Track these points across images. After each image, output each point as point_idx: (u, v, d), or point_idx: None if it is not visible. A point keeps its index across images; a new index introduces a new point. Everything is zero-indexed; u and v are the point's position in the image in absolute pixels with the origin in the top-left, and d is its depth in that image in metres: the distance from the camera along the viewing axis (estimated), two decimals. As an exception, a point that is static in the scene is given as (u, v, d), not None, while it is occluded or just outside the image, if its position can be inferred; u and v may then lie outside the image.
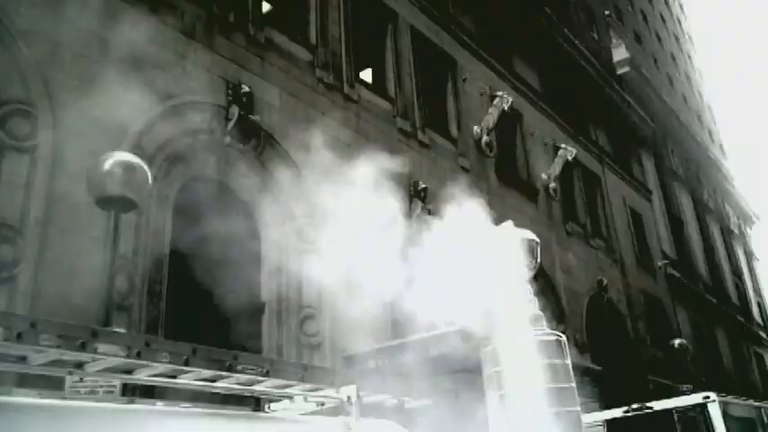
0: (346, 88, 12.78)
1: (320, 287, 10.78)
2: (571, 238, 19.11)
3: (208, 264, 9.49)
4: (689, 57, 44.01)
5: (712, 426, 9.26)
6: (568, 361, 5.22)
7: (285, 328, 10.15)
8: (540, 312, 5.59)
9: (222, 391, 4.01)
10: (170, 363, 3.45)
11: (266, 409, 4.65)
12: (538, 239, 6.17)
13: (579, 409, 5.15)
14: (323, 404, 4.39)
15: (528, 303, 5.56)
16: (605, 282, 19.48)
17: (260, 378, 3.97)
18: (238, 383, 4.03)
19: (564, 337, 5.36)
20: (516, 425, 4.91)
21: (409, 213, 13.23)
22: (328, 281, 10.98)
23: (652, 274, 24.08)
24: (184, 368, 3.68)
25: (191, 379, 3.82)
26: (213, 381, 3.98)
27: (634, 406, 9.87)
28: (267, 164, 10.80)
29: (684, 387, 16.51)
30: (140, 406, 4.21)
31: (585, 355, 16.99)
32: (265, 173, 10.74)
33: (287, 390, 4.40)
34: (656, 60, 35.16)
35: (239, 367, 3.74)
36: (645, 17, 36.40)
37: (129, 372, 3.66)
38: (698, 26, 51.38)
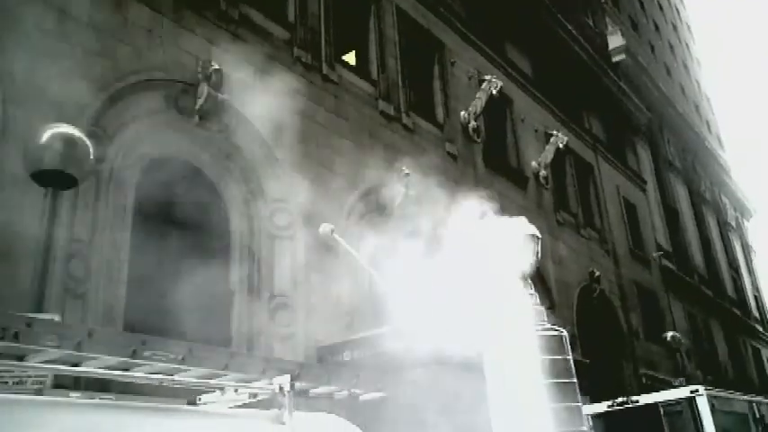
0: (325, 68, 12.28)
1: (294, 275, 10.35)
2: (562, 228, 18.65)
3: (173, 249, 9.03)
4: (687, 46, 43.42)
5: (700, 420, 8.83)
6: (570, 356, 5.23)
7: (255, 317, 9.68)
8: (542, 307, 5.58)
9: (136, 381, 3.54)
10: (59, 348, 3.00)
11: (197, 402, 4.20)
12: (539, 234, 6.07)
13: (581, 404, 5.14)
14: (255, 396, 3.94)
15: (529, 298, 5.55)
16: (597, 273, 19.03)
17: (177, 366, 3.51)
18: (154, 372, 3.56)
19: (565, 333, 5.35)
20: (518, 420, 4.94)
21: (392, 199, 12.78)
22: (303, 268, 10.55)
23: (646, 266, 23.63)
24: (83, 354, 3.22)
25: (94, 366, 3.36)
26: (126, 369, 3.52)
27: (619, 400, 9.44)
28: (239, 145, 10.31)
29: (677, 381, 16.06)
30: (46, 398, 3.77)
31: (576, 347, 16.55)
32: (237, 154, 10.27)
33: (217, 380, 3.94)
34: (653, 49, 34.60)
35: (146, 353, 3.28)
36: (642, 4, 35.83)
37: (19, 358, 3.20)
38: (697, 16, 50.81)
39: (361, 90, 13.12)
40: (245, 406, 4.23)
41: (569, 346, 5.31)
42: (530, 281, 5.67)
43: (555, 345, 5.20)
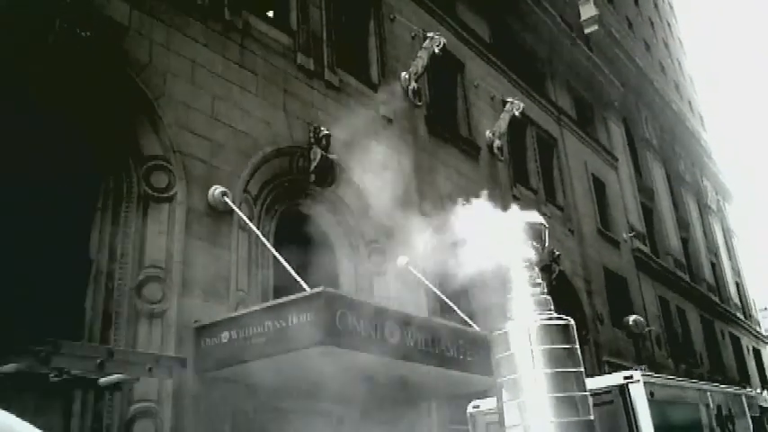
0: (228, 14, 10.76)
1: (171, 244, 8.85)
2: (519, 204, 17.03)
3: (9, 207, 7.53)
4: (668, 24, 41.96)
5: (633, 411, 7.43)
6: (577, 345, 5.18)
7: (117, 292, 8.18)
8: (549, 297, 5.40)
9: None
10: None
11: None
12: (545, 223, 5.88)
13: (588, 393, 5.07)
14: None
15: (535, 287, 5.40)
16: (557, 252, 17.60)
17: None
18: None
19: (572, 322, 5.25)
20: (525, 410, 4.90)
21: (308, 162, 11.30)
22: (184, 237, 9.06)
23: (615, 247, 22.23)
24: None
25: None
26: None
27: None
28: (110, 95, 8.76)
29: (638, 368, 14.65)
30: None
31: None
32: (107, 101, 8.71)
33: None
34: (630, 24, 33.05)
35: None
36: (620, -22, 34.25)
37: None
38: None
39: (275, 41, 11.60)
40: None
41: (576, 335, 5.23)
42: (536, 269, 5.46)
43: (561, 333, 5.12)
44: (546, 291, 5.57)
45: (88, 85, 8.56)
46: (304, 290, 8.12)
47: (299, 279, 8.37)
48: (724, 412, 9.85)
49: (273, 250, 9.23)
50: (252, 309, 8.30)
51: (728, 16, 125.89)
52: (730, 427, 9.86)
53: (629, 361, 18.69)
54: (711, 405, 9.42)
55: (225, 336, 8.26)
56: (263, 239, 9.29)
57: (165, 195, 8.98)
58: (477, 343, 10.09)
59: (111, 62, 8.88)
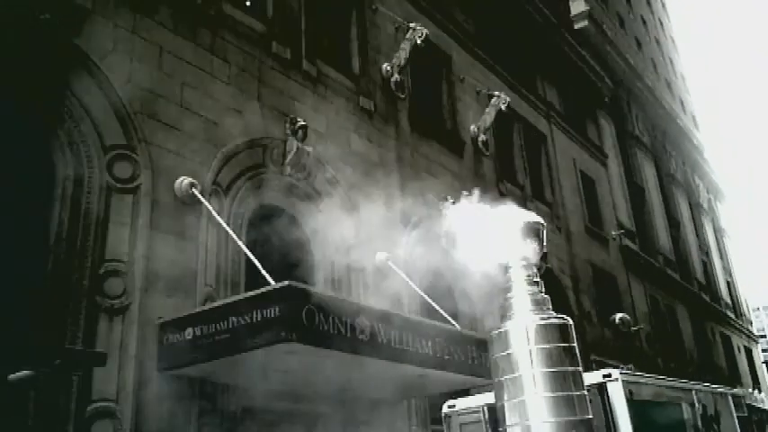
0: (199, -1, 10.40)
1: (135, 236, 8.48)
2: (505, 200, 16.76)
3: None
4: (660, 22, 41.77)
5: (611, 411, 7.13)
6: (575, 344, 5.20)
7: (76, 286, 7.81)
8: (547, 296, 5.40)
9: None
10: None
11: None
12: (543, 222, 5.80)
13: (586, 393, 5.09)
14: None
15: (533, 286, 5.40)
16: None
17: None
18: None
19: (570, 321, 5.27)
20: (523, 409, 4.88)
21: (283, 153, 10.95)
22: (148, 229, 8.70)
23: (604, 245, 21.94)
24: None
25: None
26: None
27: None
28: (71, 81, 8.40)
29: (624, 367, 14.41)
30: None
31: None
32: (64, 92, 8.35)
33: None
34: (622, 22, 32.79)
35: None
36: (611, -25, 33.98)
37: None
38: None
39: (249, 29, 11.23)
40: None
41: (574, 334, 5.26)
42: (534, 269, 5.48)
43: (560, 333, 5.12)
44: (544, 290, 5.54)
45: (46, 70, 8.20)
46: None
47: (264, 273, 8.02)
48: (709, 412, 9.56)
49: (241, 243, 8.88)
50: (216, 304, 7.95)
51: (722, 15, 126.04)
52: (715, 427, 9.58)
53: (616, 359, 18.41)
54: (696, 404, 9.13)
55: (189, 332, 7.90)
56: (231, 232, 8.94)
57: (129, 186, 8.62)
58: (456, 341, 9.79)
59: (72, 46, 8.50)
